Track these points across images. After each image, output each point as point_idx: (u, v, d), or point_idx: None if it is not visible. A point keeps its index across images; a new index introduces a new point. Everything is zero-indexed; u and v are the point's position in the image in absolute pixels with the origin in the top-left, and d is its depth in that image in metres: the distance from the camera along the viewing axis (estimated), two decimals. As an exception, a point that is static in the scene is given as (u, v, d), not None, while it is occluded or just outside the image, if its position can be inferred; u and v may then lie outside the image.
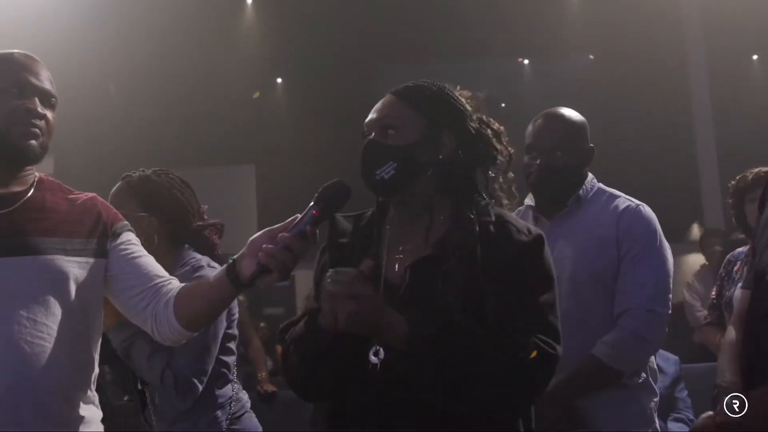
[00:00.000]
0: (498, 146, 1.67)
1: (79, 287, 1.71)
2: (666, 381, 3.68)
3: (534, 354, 1.44)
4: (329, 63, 8.85)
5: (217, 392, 2.30)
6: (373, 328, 1.44)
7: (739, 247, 3.12)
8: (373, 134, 1.61)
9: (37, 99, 1.69)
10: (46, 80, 1.73)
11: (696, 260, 6.85)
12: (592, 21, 8.71)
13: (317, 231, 1.56)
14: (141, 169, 2.43)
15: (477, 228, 1.54)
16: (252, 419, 2.46)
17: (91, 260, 1.74)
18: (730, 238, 5.40)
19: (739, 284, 2.06)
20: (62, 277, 1.68)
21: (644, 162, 8.59)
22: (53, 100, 1.73)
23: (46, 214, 1.72)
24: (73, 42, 5.97)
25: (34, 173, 1.78)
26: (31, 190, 1.74)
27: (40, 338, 1.63)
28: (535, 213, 2.33)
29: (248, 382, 4.68)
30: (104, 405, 1.86)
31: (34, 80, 1.70)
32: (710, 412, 1.27)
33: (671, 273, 2.20)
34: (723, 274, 3.07)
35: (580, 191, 2.28)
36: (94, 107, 7.39)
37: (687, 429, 3.58)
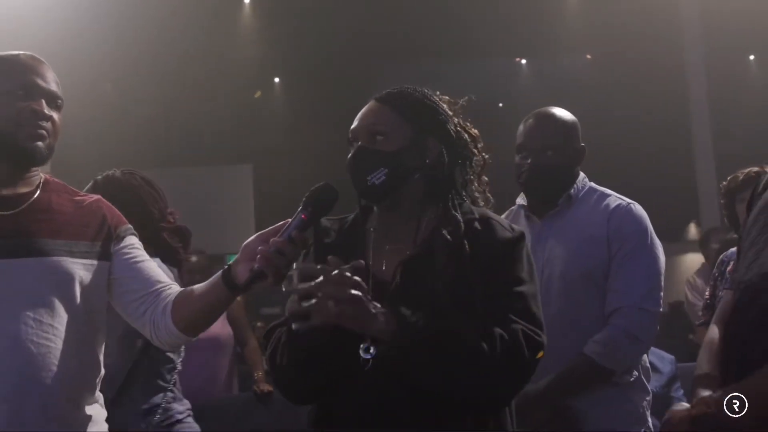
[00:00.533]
0: (474, 150, 1.73)
1: (84, 289, 1.71)
2: (662, 380, 3.67)
3: (541, 354, 1.48)
4: (327, 63, 8.87)
5: (150, 399, 2.32)
6: (361, 321, 1.45)
7: (733, 246, 3.13)
8: (361, 141, 1.64)
9: (43, 101, 1.70)
10: (52, 82, 1.73)
11: (693, 259, 6.88)
12: (589, 21, 8.73)
13: (305, 235, 1.57)
14: (112, 170, 2.43)
15: (463, 225, 1.58)
16: (183, 429, 2.43)
17: (96, 263, 1.75)
18: (725, 237, 5.42)
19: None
20: (68, 279, 1.69)
21: (642, 161, 8.62)
22: (59, 101, 1.74)
23: (52, 216, 1.73)
24: (69, 41, 5.96)
25: (40, 174, 1.79)
26: (38, 192, 1.75)
27: (45, 339, 1.64)
28: (527, 212, 2.34)
29: (245, 382, 4.69)
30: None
31: (40, 82, 1.70)
32: (685, 404, 1.28)
33: (662, 271, 2.20)
34: (716, 274, 3.08)
35: (571, 190, 2.28)
36: (90, 106, 7.39)
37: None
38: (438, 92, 1.76)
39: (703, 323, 3.48)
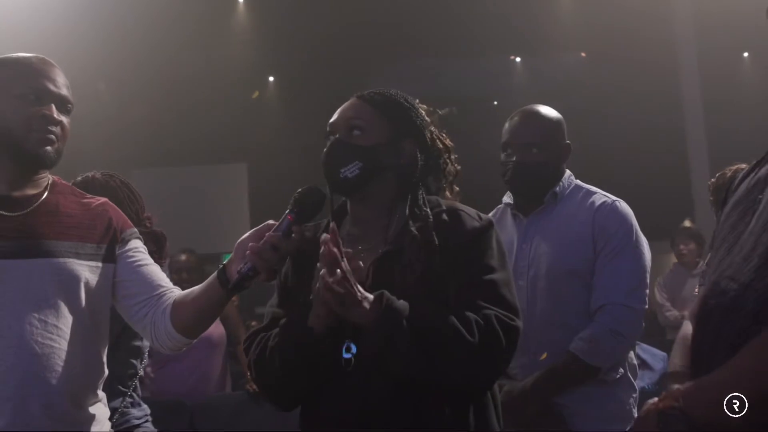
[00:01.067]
0: (448, 160, 1.75)
1: (90, 291, 1.73)
2: (654, 377, 3.70)
3: (544, 356, 1.47)
4: (321, 61, 8.86)
5: (108, 403, 2.32)
6: (346, 306, 1.46)
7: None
8: (339, 134, 1.65)
9: (53, 105, 1.71)
10: (63, 86, 1.74)
11: (687, 256, 6.86)
12: (584, 19, 8.73)
13: (301, 229, 1.57)
14: (92, 172, 2.44)
15: (431, 218, 1.60)
16: None
17: (101, 265, 1.76)
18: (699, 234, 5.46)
19: None
20: (74, 281, 1.70)
21: (636, 158, 8.62)
22: (69, 106, 1.75)
23: (59, 218, 1.74)
24: (62, 40, 5.95)
25: (48, 176, 1.81)
26: (45, 193, 1.77)
27: (50, 339, 1.65)
28: (513, 210, 2.35)
29: (237, 381, 4.70)
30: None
31: (51, 87, 1.71)
32: (656, 399, 1.30)
33: (648, 268, 2.21)
34: (705, 269, 3.09)
35: (557, 188, 2.29)
36: (83, 106, 7.36)
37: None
38: (428, 92, 1.77)
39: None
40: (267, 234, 1.56)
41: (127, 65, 7.71)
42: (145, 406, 2.50)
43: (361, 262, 1.56)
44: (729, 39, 8.37)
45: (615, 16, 8.11)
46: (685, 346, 1.44)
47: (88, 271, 1.73)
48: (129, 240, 1.83)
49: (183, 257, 4.64)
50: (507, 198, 2.40)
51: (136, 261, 1.81)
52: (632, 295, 2.16)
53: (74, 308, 1.70)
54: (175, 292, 1.80)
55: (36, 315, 1.65)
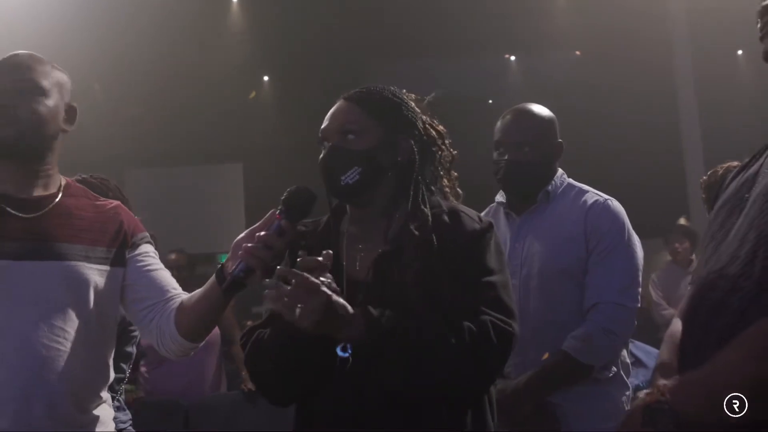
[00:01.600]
0: (441, 146, 1.72)
1: (98, 294, 1.73)
2: (648, 375, 3.70)
3: (546, 356, 1.45)
4: (316, 60, 8.86)
5: None
6: (330, 326, 1.45)
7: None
8: (332, 141, 1.63)
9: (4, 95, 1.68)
10: (9, 71, 1.71)
11: (682, 254, 6.87)
12: (578, 18, 8.73)
13: (294, 226, 1.56)
14: (77, 175, 2.44)
15: (430, 219, 1.59)
16: None
17: (111, 269, 1.76)
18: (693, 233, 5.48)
19: None
20: (83, 284, 1.70)
21: (631, 157, 8.63)
22: (20, 84, 1.69)
23: (71, 221, 1.74)
24: (56, 40, 5.93)
25: (60, 177, 1.80)
26: (59, 195, 1.76)
27: (56, 342, 1.65)
28: (506, 209, 2.35)
29: (232, 381, 4.70)
30: None
31: (3, 77, 1.70)
32: (646, 391, 1.30)
33: (640, 267, 2.21)
34: (695, 269, 3.10)
35: (549, 186, 2.29)
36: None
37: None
38: (422, 91, 1.76)
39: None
40: (257, 234, 1.54)
41: (121, 65, 7.70)
42: (128, 411, 2.52)
43: (358, 262, 1.57)
44: (723, 37, 8.38)
45: (609, 15, 8.12)
46: (672, 342, 1.44)
47: (97, 275, 1.73)
48: (140, 244, 1.83)
49: (173, 256, 4.65)
50: (499, 197, 2.40)
51: (145, 265, 1.81)
52: (625, 293, 2.16)
53: (82, 311, 1.70)
54: (182, 297, 1.79)
55: (43, 317, 1.65)
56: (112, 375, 1.83)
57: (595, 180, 2.38)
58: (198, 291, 1.74)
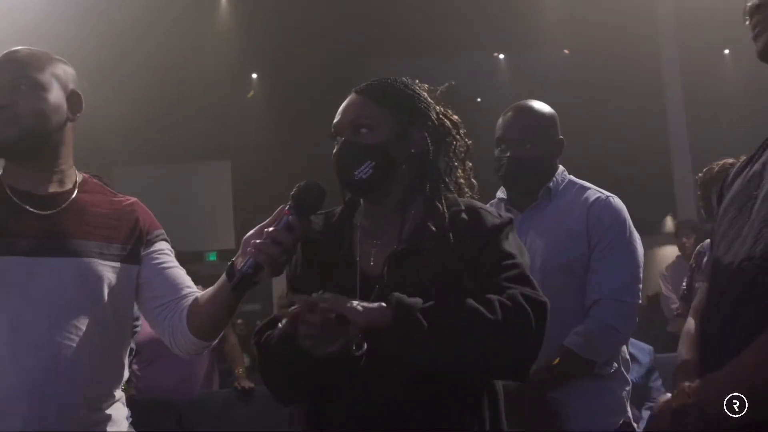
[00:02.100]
0: (457, 136, 1.70)
1: (113, 292, 1.72)
2: (641, 371, 3.73)
3: (557, 361, 1.41)
4: (304, 58, 8.85)
5: None
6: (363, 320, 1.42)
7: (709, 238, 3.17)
8: (345, 135, 1.61)
9: (4, 94, 1.67)
10: (6, 69, 1.69)
11: (669, 252, 6.94)
12: (567, 16, 8.78)
13: (303, 222, 1.53)
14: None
15: (447, 218, 1.57)
16: None
17: (125, 266, 1.75)
18: (700, 228, 5.50)
19: None
20: (97, 281, 1.69)
21: (618, 155, 8.68)
22: (18, 82, 1.68)
23: (87, 217, 1.73)
24: (44, 39, 5.90)
25: (75, 173, 1.79)
26: (75, 192, 1.75)
27: (69, 339, 1.64)
28: (507, 206, 2.35)
29: (225, 379, 4.68)
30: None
31: (1, 77, 1.68)
32: (669, 395, 1.30)
33: (641, 263, 2.22)
34: (693, 266, 3.12)
35: (551, 183, 2.30)
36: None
37: (661, 418, 3.63)
38: (417, 81, 1.74)
39: (680, 314, 3.53)
40: (266, 230, 1.52)
41: (109, 63, 7.64)
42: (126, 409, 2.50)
43: (372, 257, 1.57)
44: (710, 36, 8.45)
45: (598, 14, 8.16)
46: (690, 341, 1.44)
47: (111, 272, 1.72)
48: (155, 241, 1.82)
49: None
50: (501, 193, 2.40)
51: (161, 263, 1.80)
52: (626, 290, 2.17)
53: (96, 308, 1.69)
54: (196, 295, 1.78)
55: (57, 314, 1.64)
56: (126, 373, 1.82)
57: (582, 177, 2.39)
58: (210, 289, 1.73)
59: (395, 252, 1.57)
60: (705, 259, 2.98)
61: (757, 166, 1.40)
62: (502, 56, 10.15)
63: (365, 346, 1.44)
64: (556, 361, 1.39)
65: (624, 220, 2.22)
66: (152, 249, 1.80)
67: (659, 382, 3.75)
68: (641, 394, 3.67)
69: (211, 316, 1.72)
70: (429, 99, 1.68)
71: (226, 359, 4.58)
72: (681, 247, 5.70)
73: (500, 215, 1.62)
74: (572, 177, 2.35)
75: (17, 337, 1.61)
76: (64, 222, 1.70)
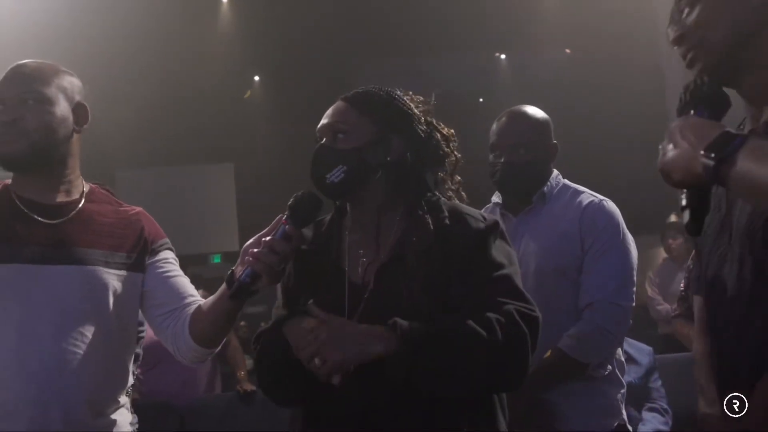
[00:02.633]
0: (446, 149, 1.72)
1: (117, 299, 1.75)
2: (640, 372, 3.74)
3: (548, 354, 1.45)
4: (306, 60, 8.85)
5: None
6: (362, 361, 1.46)
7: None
8: (325, 139, 1.65)
9: (5, 107, 1.70)
10: (16, 83, 1.73)
11: (673, 250, 6.90)
12: (568, 16, 8.76)
13: (300, 231, 1.57)
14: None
15: (431, 224, 1.59)
16: None
17: (130, 274, 1.78)
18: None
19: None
20: (102, 289, 1.72)
21: (621, 154, 8.67)
22: (25, 96, 1.71)
23: (93, 226, 1.76)
24: (47, 46, 5.93)
25: (82, 183, 1.83)
26: (82, 202, 1.79)
27: (74, 345, 1.67)
28: (502, 210, 2.37)
29: (227, 382, 4.70)
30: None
31: (3, 92, 1.72)
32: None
33: (635, 266, 2.24)
34: (691, 266, 3.12)
35: (545, 188, 2.31)
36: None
37: (661, 418, 3.64)
38: (413, 89, 1.76)
39: (678, 315, 3.54)
40: (263, 240, 1.55)
41: (111, 66, 7.67)
42: (134, 415, 2.52)
43: (360, 266, 1.60)
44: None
45: (599, 13, 8.16)
46: (707, 369, 1.42)
47: (116, 280, 1.75)
48: (159, 251, 1.85)
49: None
50: (496, 197, 2.42)
51: (165, 272, 1.83)
52: (620, 292, 2.18)
53: (101, 316, 1.72)
54: (199, 303, 1.81)
55: (62, 321, 1.67)
56: (131, 380, 1.85)
57: (586, 178, 2.40)
58: (211, 297, 1.76)
59: (381, 263, 1.59)
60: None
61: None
62: (503, 56, 10.14)
63: (339, 379, 1.46)
64: (548, 354, 1.42)
65: (617, 223, 2.24)
66: (157, 258, 1.84)
67: (659, 383, 3.75)
68: (641, 395, 3.68)
69: (213, 324, 1.75)
70: (416, 110, 1.70)
71: (228, 362, 4.60)
72: (667, 249, 5.72)
73: (485, 218, 1.63)
74: (566, 181, 2.37)
75: (23, 343, 1.64)
76: (70, 231, 1.73)
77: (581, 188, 2.34)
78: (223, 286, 1.68)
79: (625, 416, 2.28)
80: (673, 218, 6.37)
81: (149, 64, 7.94)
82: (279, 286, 1.71)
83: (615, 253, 2.20)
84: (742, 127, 1.43)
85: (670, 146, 1.15)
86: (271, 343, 1.61)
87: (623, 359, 2.35)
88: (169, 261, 1.86)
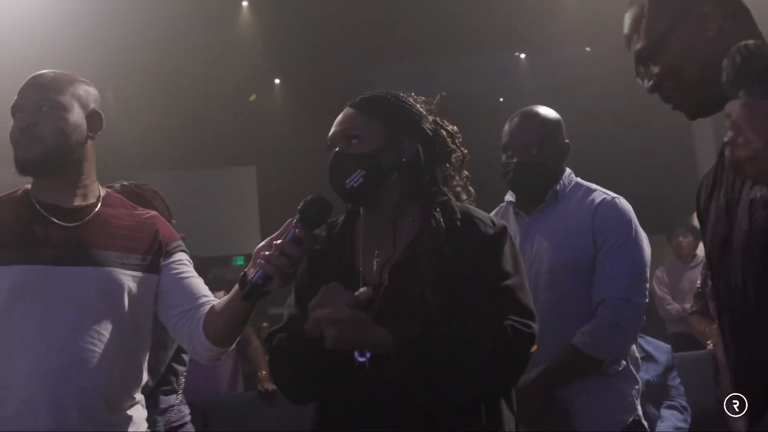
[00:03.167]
0: (452, 146, 1.76)
1: (132, 300, 1.80)
2: (659, 369, 3.73)
3: (534, 348, 1.53)
4: (326, 62, 8.89)
5: (162, 397, 2.37)
6: (358, 345, 1.53)
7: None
8: (338, 146, 1.68)
9: (19, 114, 1.79)
10: (32, 92, 1.80)
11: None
12: (588, 14, 8.71)
13: (311, 234, 1.61)
14: (119, 181, 2.51)
15: (444, 227, 1.63)
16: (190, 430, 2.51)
17: (145, 275, 1.84)
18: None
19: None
20: (117, 289, 1.78)
21: (643, 153, 8.61)
22: (41, 104, 1.79)
23: (109, 229, 1.83)
24: (69, 51, 6.02)
25: (98, 187, 1.90)
26: (99, 205, 1.85)
27: (90, 344, 1.73)
28: (515, 209, 2.39)
29: (249, 381, 4.75)
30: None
31: (20, 100, 1.80)
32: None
33: (648, 263, 2.25)
34: (706, 263, 3.12)
35: (557, 186, 2.33)
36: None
37: (680, 415, 3.63)
38: (432, 91, 1.80)
39: (695, 311, 3.54)
40: (275, 242, 1.59)
41: (133, 71, 7.77)
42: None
43: (375, 267, 1.64)
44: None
45: (619, 11, 8.09)
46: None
47: (131, 281, 1.80)
48: (174, 252, 1.90)
49: None
50: (509, 196, 2.44)
51: (179, 273, 1.89)
52: (632, 289, 2.19)
53: (116, 315, 1.78)
54: (213, 303, 1.86)
55: (78, 320, 1.73)
56: (145, 377, 1.90)
57: (606, 176, 2.41)
58: (225, 298, 1.81)
59: (394, 264, 1.63)
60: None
61: (722, 195, 1.36)
62: (522, 56, 10.11)
63: (368, 353, 1.52)
64: (534, 348, 1.47)
65: (630, 220, 2.25)
66: (171, 260, 1.89)
67: (678, 380, 3.74)
68: (659, 393, 3.67)
69: (227, 324, 1.79)
70: (422, 110, 1.74)
71: (250, 362, 4.65)
72: (677, 248, 5.69)
73: (494, 223, 1.67)
74: (579, 179, 2.38)
75: (42, 341, 1.70)
76: (87, 233, 1.80)
77: (594, 186, 2.35)
78: (236, 287, 1.72)
79: (640, 411, 2.28)
80: (695, 218, 6.32)
81: (172, 70, 8.03)
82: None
83: (628, 250, 2.21)
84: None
85: (741, 139, 1.03)
86: (284, 341, 1.65)
87: (638, 355, 2.36)
88: (183, 262, 1.91)
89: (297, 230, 1.58)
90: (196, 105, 8.47)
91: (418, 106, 1.75)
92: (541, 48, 9.83)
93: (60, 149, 1.79)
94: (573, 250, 2.23)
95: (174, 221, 2.58)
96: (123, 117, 8.03)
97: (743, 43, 1.10)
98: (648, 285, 2.26)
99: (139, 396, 1.87)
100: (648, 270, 2.25)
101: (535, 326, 1.59)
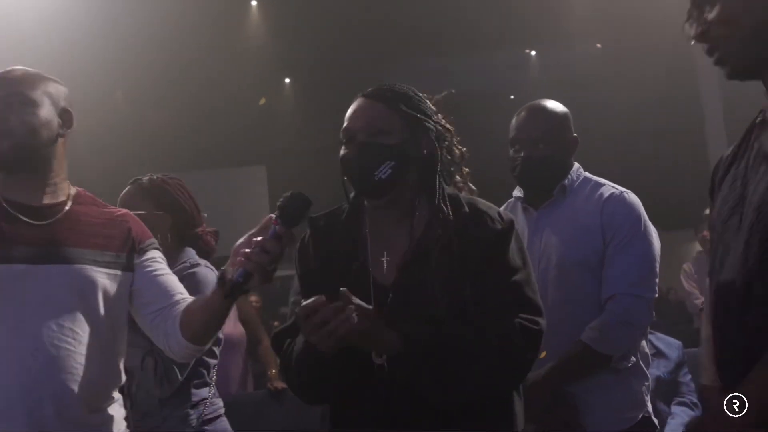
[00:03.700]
0: (452, 143, 1.75)
1: (107, 298, 1.78)
2: (669, 366, 3.70)
3: (543, 354, 1.52)
4: (336, 61, 8.90)
5: (194, 390, 2.36)
6: (364, 344, 1.52)
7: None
8: (362, 137, 1.63)
9: None
10: (2, 86, 1.78)
11: (708, 245, 6.82)
12: (598, 10, 8.69)
13: (291, 231, 1.57)
14: (148, 174, 2.51)
15: (453, 221, 1.61)
16: (224, 424, 2.50)
17: (119, 273, 1.82)
18: None
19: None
20: (91, 287, 1.76)
21: (655, 149, 8.58)
22: (10, 99, 1.76)
23: (81, 227, 1.80)
24: (79, 50, 6.06)
25: (68, 186, 1.87)
26: (68, 204, 1.83)
27: (66, 343, 1.71)
28: (523, 204, 2.37)
29: (259, 380, 4.75)
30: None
31: None
32: (698, 414, 1.30)
33: (657, 258, 2.22)
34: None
35: (566, 181, 2.31)
36: (103, 115, 7.49)
37: (690, 412, 3.60)
38: (444, 88, 1.79)
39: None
40: (254, 240, 1.55)
41: (143, 72, 7.81)
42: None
43: (385, 266, 1.63)
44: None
45: (629, 7, 8.07)
46: (709, 351, 1.42)
47: (105, 278, 1.78)
48: (147, 250, 1.88)
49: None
50: (517, 192, 2.42)
51: (153, 270, 1.86)
52: (642, 284, 2.17)
53: (91, 314, 1.75)
54: (188, 301, 1.83)
55: (54, 319, 1.70)
56: (124, 377, 1.87)
57: (620, 172, 2.39)
58: (201, 296, 1.80)
59: (404, 263, 1.62)
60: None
61: (742, 165, 1.36)
62: (533, 53, 10.10)
63: (385, 356, 1.52)
64: (543, 354, 1.47)
65: (638, 215, 2.23)
66: (144, 257, 1.86)
67: (689, 377, 3.71)
68: (670, 390, 3.65)
69: (204, 322, 1.76)
70: (432, 106, 1.73)
71: (260, 361, 4.65)
72: (702, 242, 5.65)
73: (501, 218, 1.65)
74: (587, 174, 2.36)
75: (16, 341, 1.67)
76: (58, 231, 1.77)
77: (602, 180, 2.33)
78: (215, 285, 1.69)
79: (650, 407, 2.26)
80: (708, 212, 6.28)
81: (181, 71, 8.06)
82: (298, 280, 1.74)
83: (636, 244, 2.19)
84: (759, 117, 1.41)
85: None
86: (296, 346, 1.63)
87: (648, 351, 2.33)
88: (156, 260, 1.88)
89: (277, 227, 1.54)
90: (205, 105, 8.50)
91: (427, 101, 1.73)
92: (552, 44, 9.82)
93: (29, 145, 1.76)
94: (582, 246, 2.21)
95: (205, 215, 2.59)
96: (133, 117, 8.07)
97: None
98: (657, 280, 2.24)
99: (116, 395, 1.85)
100: (657, 265, 2.23)
101: (543, 322, 1.58)
